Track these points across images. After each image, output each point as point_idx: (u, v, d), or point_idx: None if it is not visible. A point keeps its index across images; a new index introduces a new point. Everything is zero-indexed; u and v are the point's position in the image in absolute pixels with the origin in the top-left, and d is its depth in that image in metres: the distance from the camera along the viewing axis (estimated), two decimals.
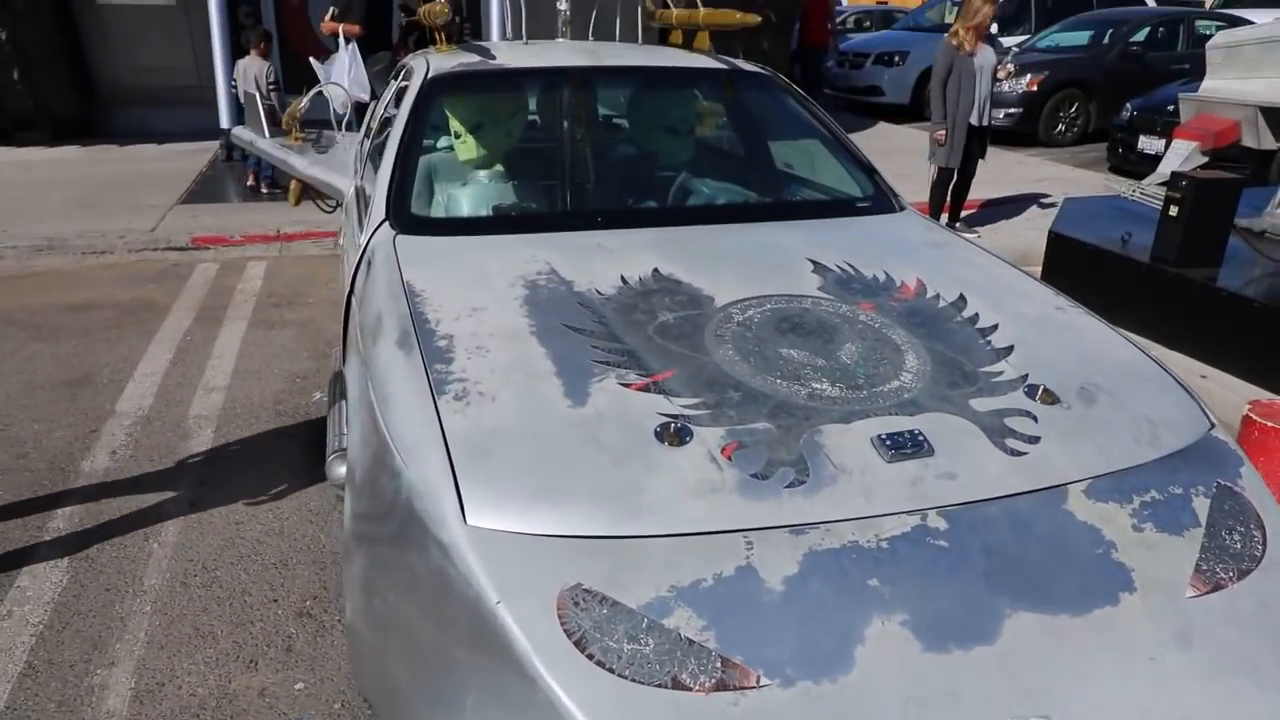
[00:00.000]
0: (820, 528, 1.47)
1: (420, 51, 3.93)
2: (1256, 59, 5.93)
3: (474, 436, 1.63)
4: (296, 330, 5.11)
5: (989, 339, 2.09)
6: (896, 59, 14.38)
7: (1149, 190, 6.16)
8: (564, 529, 1.45)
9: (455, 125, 3.44)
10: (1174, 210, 4.90)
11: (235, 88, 6.87)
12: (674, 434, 1.62)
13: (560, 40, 3.82)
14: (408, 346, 1.94)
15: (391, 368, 1.92)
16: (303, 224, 6.70)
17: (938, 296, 2.33)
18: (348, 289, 2.71)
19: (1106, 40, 12.55)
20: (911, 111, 13.70)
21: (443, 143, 3.95)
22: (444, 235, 2.69)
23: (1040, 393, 1.84)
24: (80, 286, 5.78)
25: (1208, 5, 17.25)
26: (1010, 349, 2.04)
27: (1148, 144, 9.54)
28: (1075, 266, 5.34)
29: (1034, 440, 1.70)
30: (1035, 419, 1.76)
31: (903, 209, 3.11)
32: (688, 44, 3.95)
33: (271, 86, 7.74)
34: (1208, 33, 12.95)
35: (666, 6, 4.14)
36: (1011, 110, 11.37)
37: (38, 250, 6.26)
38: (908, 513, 1.51)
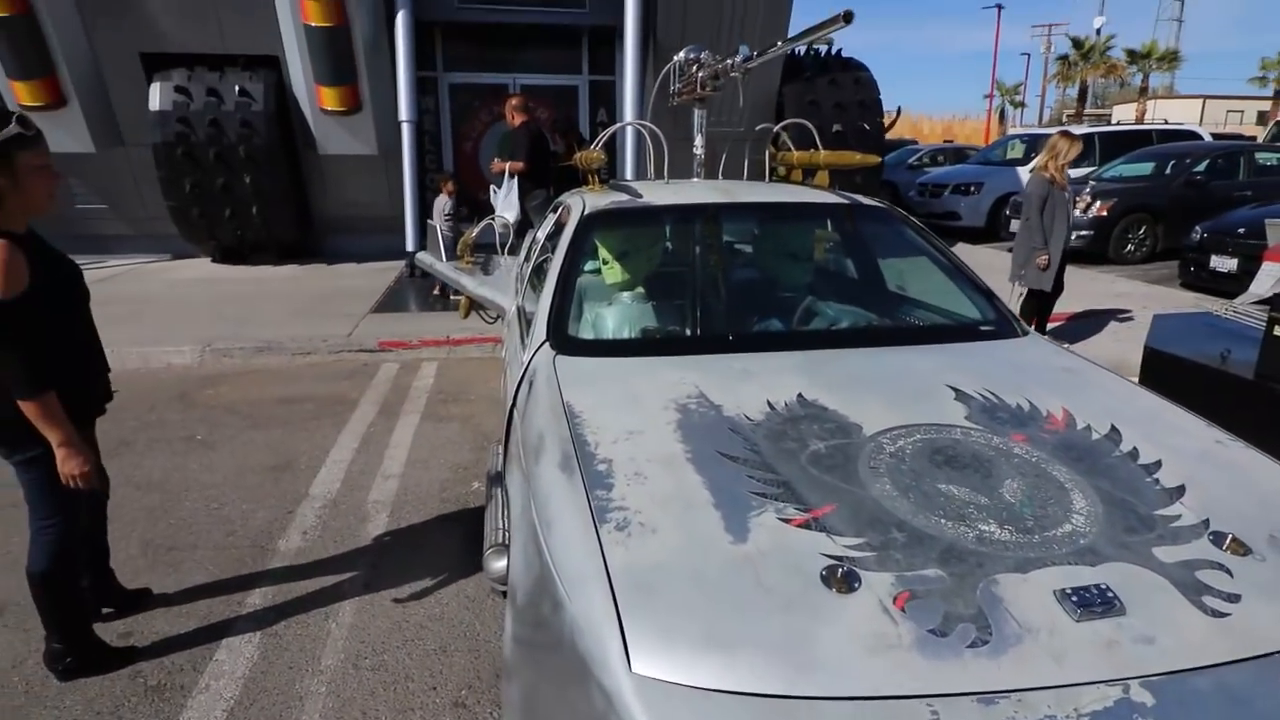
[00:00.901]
0: (1011, 697, 1.14)
1: (574, 190, 3.84)
2: None
3: (637, 571, 1.37)
4: (460, 424, 5.01)
5: (1156, 476, 1.71)
6: (972, 188, 13.97)
7: (1242, 309, 5.57)
8: (734, 683, 1.17)
9: (604, 253, 3.30)
10: (1278, 330, 4.37)
11: (431, 220, 7.08)
12: (841, 579, 1.33)
13: (696, 180, 3.66)
14: (569, 470, 1.72)
15: (554, 490, 1.69)
16: (468, 331, 6.69)
17: (1089, 428, 1.95)
18: (510, 402, 2.53)
19: (1169, 170, 11.87)
20: (986, 233, 13.19)
21: (588, 266, 3.85)
22: (598, 356, 2.48)
23: (1229, 542, 1.47)
24: (289, 382, 5.87)
25: (1260, 139, 16.39)
26: (1182, 489, 1.66)
27: (1219, 262, 8.90)
28: (1173, 381, 4.77)
29: (1234, 599, 1.33)
30: (1230, 573, 1.39)
31: (1026, 333, 2.75)
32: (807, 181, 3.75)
33: (447, 218, 7.91)
34: (1268, 163, 12.16)
35: (788, 149, 3.95)
36: (1084, 233, 10.76)
37: (259, 351, 6.43)
38: (1107, 683, 1.17)
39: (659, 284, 3.21)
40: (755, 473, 1.69)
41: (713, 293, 3.14)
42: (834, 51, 11.21)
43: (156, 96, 9.16)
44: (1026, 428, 1.96)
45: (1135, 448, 1.86)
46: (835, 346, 2.55)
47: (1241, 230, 8.96)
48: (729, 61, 3.18)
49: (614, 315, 3.08)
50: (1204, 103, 46.70)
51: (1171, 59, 45.58)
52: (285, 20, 8.97)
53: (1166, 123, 19.36)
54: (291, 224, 10.14)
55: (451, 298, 7.84)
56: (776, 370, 2.28)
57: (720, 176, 4.01)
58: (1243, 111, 45.89)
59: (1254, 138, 20.86)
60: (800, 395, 2.08)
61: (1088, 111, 45.59)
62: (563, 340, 2.54)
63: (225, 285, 8.97)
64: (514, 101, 7.63)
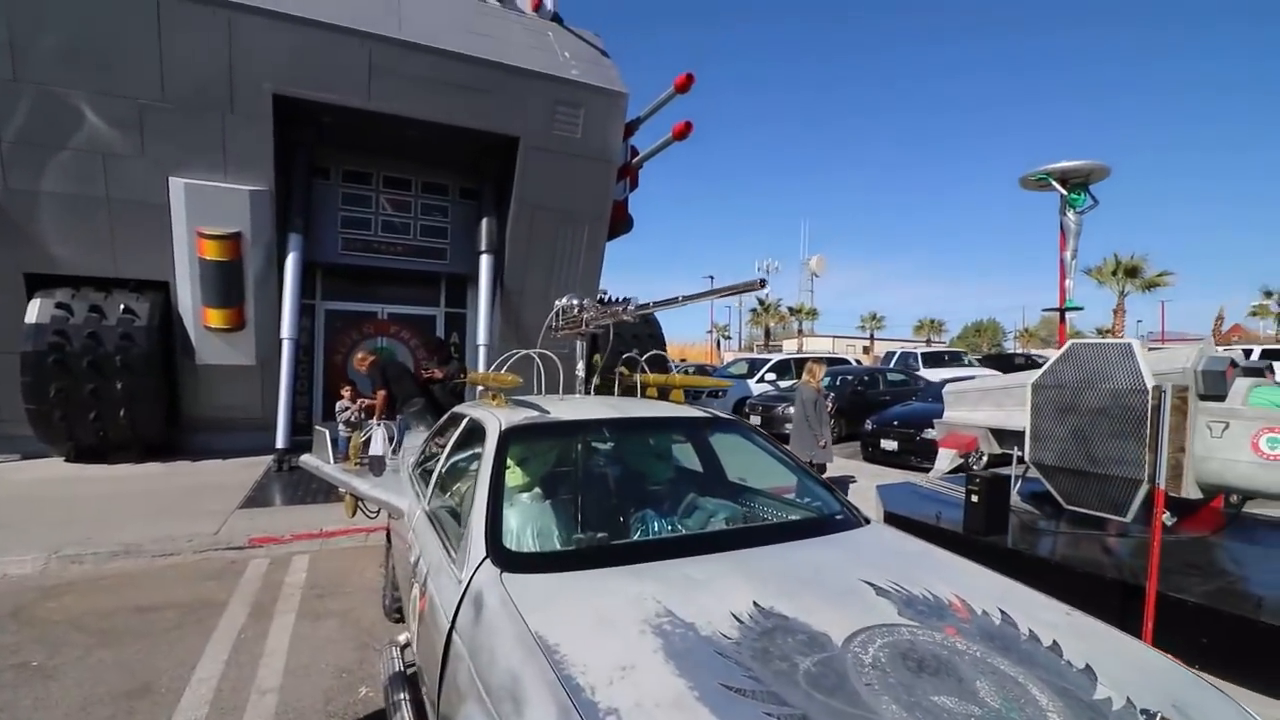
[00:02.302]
0: None
1: (474, 404, 3.32)
2: (977, 400, 6.10)
3: None
4: (339, 620, 3.93)
5: (1067, 659, 1.56)
6: (720, 393, 14.80)
7: (934, 481, 6.05)
8: None
9: (510, 461, 2.77)
10: (975, 498, 4.70)
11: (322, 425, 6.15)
12: None
13: (581, 395, 3.31)
14: None
15: None
16: (340, 521, 5.56)
17: (987, 614, 1.78)
18: (446, 624, 1.86)
19: (839, 382, 13.45)
20: None
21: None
22: (544, 572, 1.92)
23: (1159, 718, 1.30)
24: (149, 588, 4.41)
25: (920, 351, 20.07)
26: (1090, 670, 1.51)
27: (886, 444, 9.96)
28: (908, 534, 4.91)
29: None
30: None
31: (868, 521, 2.57)
32: (663, 397, 3.54)
33: (346, 423, 6.90)
34: (894, 380, 14.30)
35: (643, 372, 3.75)
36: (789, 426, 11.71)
37: (114, 555, 4.86)
38: None
39: (564, 487, 2.73)
40: (771, 708, 1.26)
41: (618, 493, 2.72)
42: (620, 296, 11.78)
43: (35, 311, 7.48)
44: (946, 618, 1.74)
45: (1030, 630, 1.72)
46: (744, 545, 2.18)
47: (896, 422, 10.22)
48: (622, 307, 2.98)
49: (522, 516, 2.52)
50: (833, 340, 55.84)
51: (812, 313, 55.86)
52: (181, 254, 7.87)
53: (831, 353, 23.15)
54: (159, 424, 8.34)
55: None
56: (715, 575, 1.89)
57: (579, 390, 3.70)
58: (854, 346, 55.18)
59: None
60: (755, 604, 1.70)
61: (770, 344, 52.58)
62: (504, 556, 1.97)
63: (80, 485, 7.00)
64: (359, 355, 7.68)
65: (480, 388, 4.57)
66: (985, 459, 6.45)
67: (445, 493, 2.92)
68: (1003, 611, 1.79)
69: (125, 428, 7.94)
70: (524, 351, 3.34)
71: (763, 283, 2.01)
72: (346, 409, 7.09)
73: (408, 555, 2.85)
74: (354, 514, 4.16)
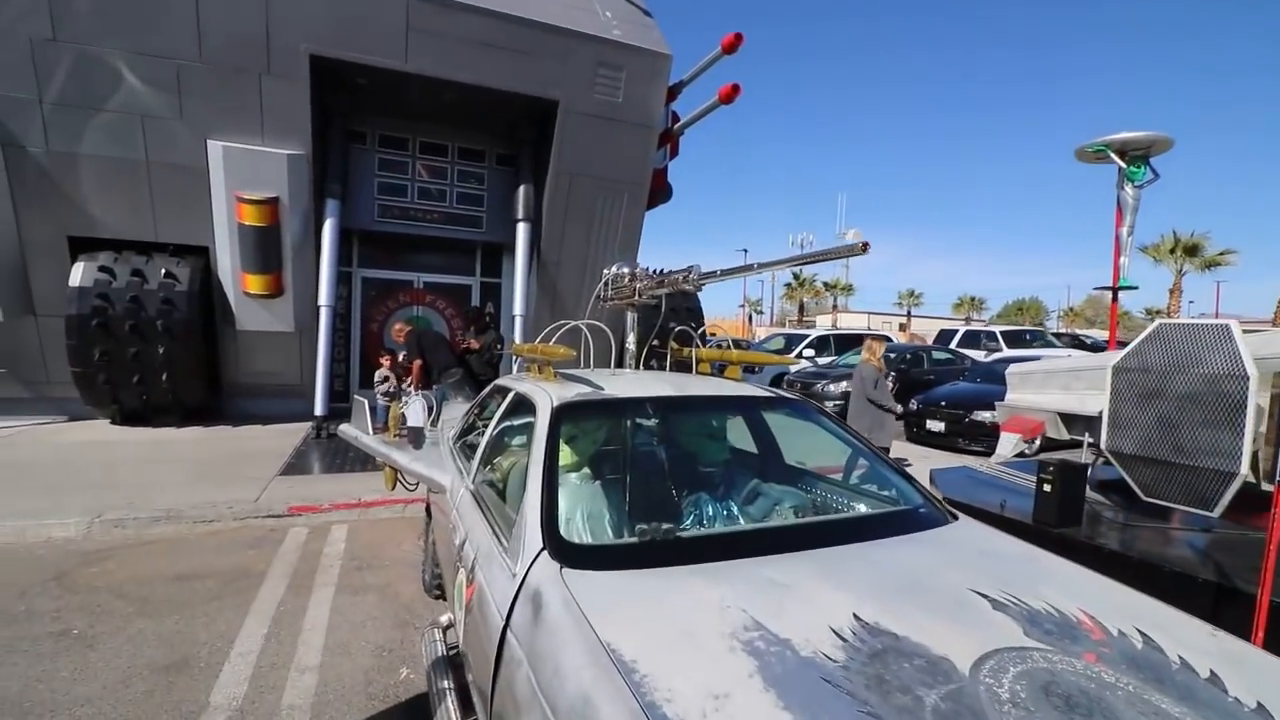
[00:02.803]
0: None
1: (518, 377, 3.11)
2: (1043, 382, 5.71)
3: None
4: (378, 595, 3.82)
5: (1234, 696, 1.32)
6: (757, 369, 14.49)
7: (995, 467, 5.72)
8: None
9: (560, 440, 2.57)
10: (1047, 487, 4.37)
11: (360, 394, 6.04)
12: None
13: (634, 370, 3.08)
14: None
15: None
16: (378, 492, 5.48)
17: (1123, 634, 1.52)
18: (501, 621, 1.67)
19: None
20: None
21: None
22: (607, 568, 1.70)
23: None
24: (189, 554, 4.37)
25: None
26: (1261, 708, 1.27)
27: (932, 424, 9.63)
28: None
29: None
30: None
31: (955, 516, 2.30)
32: (718, 374, 3.28)
33: (385, 393, 6.83)
34: (939, 358, 13.77)
35: (695, 346, 3.49)
36: (836, 402, 11.34)
37: (155, 520, 4.84)
38: None
39: (620, 470, 2.51)
40: None
41: (676, 478, 2.49)
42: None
43: (79, 274, 7.48)
44: (1080, 641, 1.48)
45: (1180, 656, 1.45)
46: (823, 542, 1.93)
47: (943, 402, 9.81)
48: (683, 274, 2.71)
49: (577, 503, 2.31)
50: (868, 316, 54.57)
51: (848, 289, 54.82)
52: (220, 219, 7.80)
53: (868, 329, 22.27)
54: (200, 389, 8.39)
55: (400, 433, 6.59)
56: (800, 579, 1.65)
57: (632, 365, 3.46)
58: (889, 322, 53.85)
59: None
60: (856, 617, 1.45)
61: (804, 319, 51.70)
62: (562, 549, 1.76)
63: (123, 448, 7.05)
64: (397, 325, 7.46)
65: (520, 359, 4.37)
66: (1038, 445, 6.09)
67: (491, 470, 2.72)
68: (1141, 632, 1.53)
69: (167, 391, 8.00)
70: (572, 323, 3.11)
71: (865, 246, 1.73)
72: (386, 379, 7.00)
73: (451, 535, 2.68)
74: (394, 486, 4.04)
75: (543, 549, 1.75)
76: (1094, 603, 1.66)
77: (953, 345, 16.80)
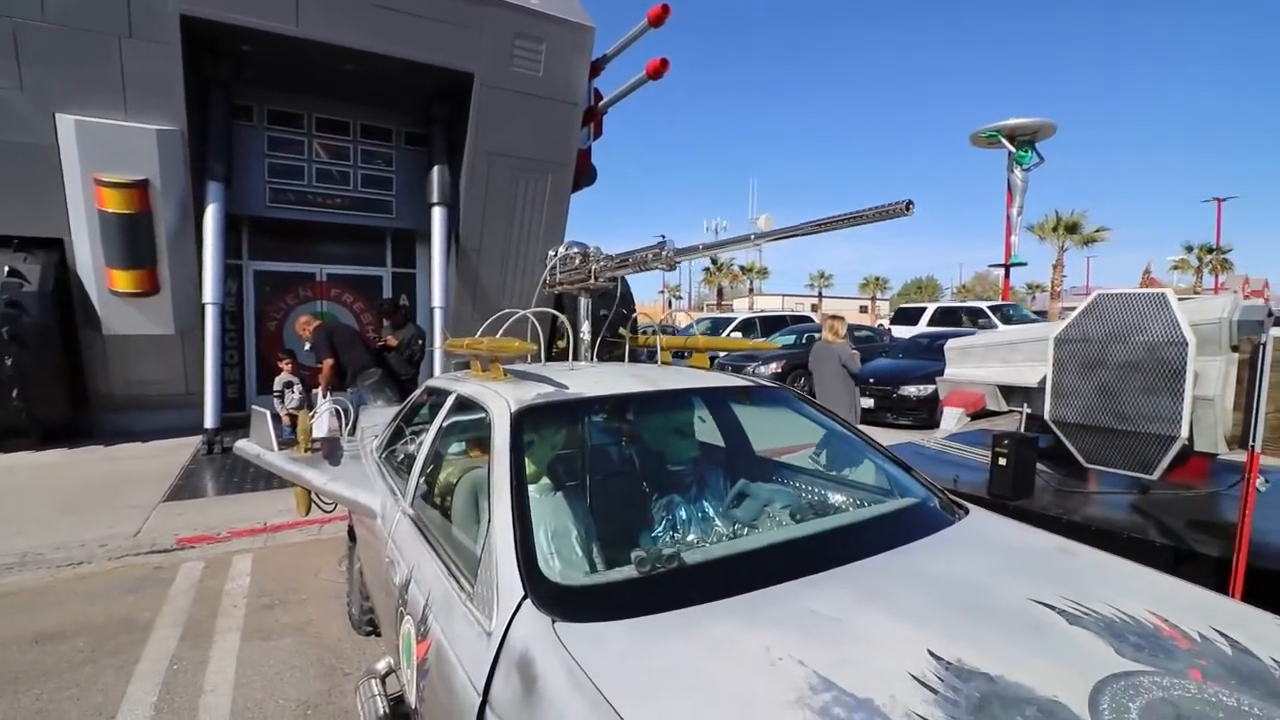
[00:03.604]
0: None
1: (459, 377, 2.68)
2: (983, 355, 5.80)
3: None
4: (296, 638, 3.28)
5: None
6: (686, 354, 14.43)
7: (940, 442, 5.76)
8: None
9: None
10: (1003, 460, 4.39)
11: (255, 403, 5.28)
12: None
13: (592, 363, 2.72)
14: None
15: None
16: (288, 513, 4.85)
17: (1206, 639, 1.36)
18: (478, 697, 1.29)
19: (804, 340, 13.37)
20: None
21: (454, 449, 2.68)
22: (611, 617, 1.35)
23: None
24: (51, 608, 3.64)
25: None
26: None
27: (863, 401, 9.75)
28: None
29: None
30: None
31: (967, 510, 2.11)
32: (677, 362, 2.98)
33: (288, 399, 6.08)
34: (860, 335, 14.17)
35: (643, 333, 3.18)
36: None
37: (6, 568, 4.02)
38: None
39: (595, 483, 2.15)
40: None
41: (659, 486, 2.15)
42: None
43: None
44: (1175, 656, 1.30)
45: (1275, 659, 1.31)
46: (847, 554, 1.66)
47: (871, 379, 10.03)
48: (657, 251, 2.36)
49: (555, 529, 1.93)
50: (782, 299, 56.57)
51: (763, 272, 56.68)
52: (76, 206, 6.72)
53: (781, 311, 22.71)
54: (61, 405, 7.27)
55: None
56: (847, 608, 1.38)
57: (586, 356, 3.10)
58: (801, 304, 56.03)
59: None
60: (933, 655, 1.19)
61: (722, 303, 52.75)
62: (550, 594, 1.41)
63: None
64: (301, 320, 6.45)
65: (452, 358, 3.89)
66: (968, 419, 6.24)
67: (432, 490, 2.30)
68: (1221, 634, 1.37)
69: (19, 410, 6.86)
70: (520, 312, 2.70)
71: (909, 205, 1.46)
72: (289, 384, 6.26)
73: (387, 571, 2.23)
74: (308, 510, 3.49)
75: (524, 597, 1.38)
76: (1156, 601, 1.49)
77: (923, 324, 16.46)
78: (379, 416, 4.26)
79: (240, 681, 2.88)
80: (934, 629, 1.29)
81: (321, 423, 4.60)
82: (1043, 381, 4.98)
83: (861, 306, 53.21)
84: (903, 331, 16.42)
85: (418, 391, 3.25)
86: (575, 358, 2.80)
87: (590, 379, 2.33)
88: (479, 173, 8.45)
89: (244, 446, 3.92)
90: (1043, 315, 27.67)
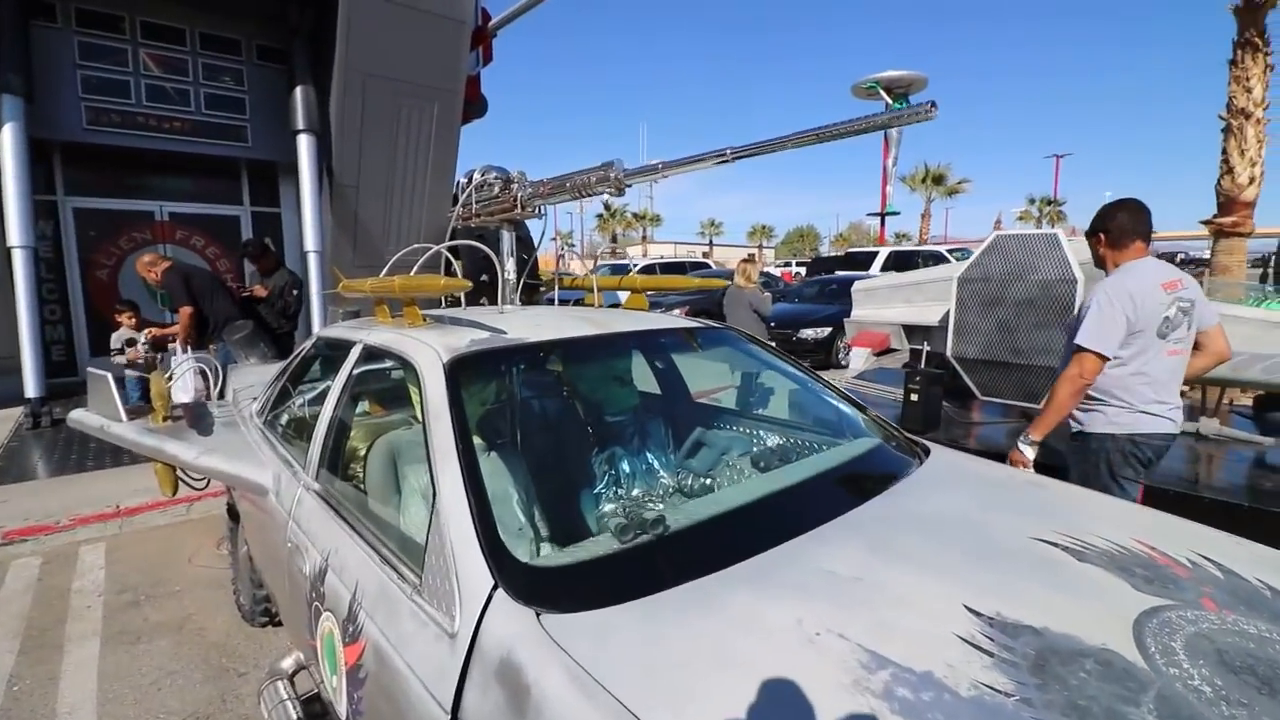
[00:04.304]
0: None
1: (356, 326, 2.28)
2: (887, 297, 6.00)
3: None
4: (172, 638, 2.83)
5: None
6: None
7: (852, 381, 5.95)
8: None
9: (417, 399, 1.88)
10: (914, 396, 4.58)
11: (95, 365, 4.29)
12: None
13: (531, 307, 2.41)
14: None
15: None
16: (148, 492, 4.19)
17: (1199, 566, 1.36)
18: (445, 713, 1.05)
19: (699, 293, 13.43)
20: None
21: (359, 409, 2.35)
22: (604, 603, 1.13)
23: None
24: None
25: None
26: None
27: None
28: None
29: None
30: None
31: (928, 450, 2.08)
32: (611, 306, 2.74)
33: (131, 359, 5.17)
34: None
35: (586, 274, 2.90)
36: None
37: None
38: None
39: (542, 440, 1.90)
40: None
41: (613, 440, 1.95)
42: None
43: None
44: (1184, 587, 1.31)
45: (1260, 579, 1.33)
46: (840, 505, 1.55)
47: (771, 324, 10.25)
48: (605, 172, 2.06)
49: (514, 498, 1.67)
50: (674, 246, 57.09)
51: (656, 219, 56.88)
52: None
53: (675, 257, 22.67)
54: None
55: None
56: (866, 566, 1.25)
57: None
58: (693, 251, 57.00)
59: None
60: (973, 612, 1.10)
61: (616, 250, 52.49)
62: (526, 580, 1.17)
63: None
64: (145, 259, 5.17)
65: (340, 309, 3.44)
66: (874, 357, 6.52)
67: (345, 461, 1.96)
68: (1207, 558, 1.39)
69: None
70: (433, 247, 2.32)
71: (933, 105, 1.29)
72: (131, 342, 5.38)
73: (291, 558, 1.89)
74: (175, 490, 2.96)
75: (495, 587, 1.13)
76: (1137, 529, 1.51)
77: (876, 267, 14.50)
78: (253, 376, 3.71)
79: (106, 697, 2.42)
80: (958, 580, 1.20)
81: (184, 385, 3.96)
82: (944, 320, 5.23)
83: (749, 254, 54.86)
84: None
85: (308, 344, 2.80)
86: (502, 300, 2.47)
87: (527, 322, 2.04)
88: (353, 96, 7.49)
89: (81, 418, 3.26)
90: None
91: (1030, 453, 2.39)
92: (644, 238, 58.41)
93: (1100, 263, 2.47)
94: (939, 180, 36.29)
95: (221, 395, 3.67)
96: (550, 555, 1.33)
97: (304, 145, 7.47)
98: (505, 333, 1.88)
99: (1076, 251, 4.53)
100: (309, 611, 1.72)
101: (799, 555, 1.29)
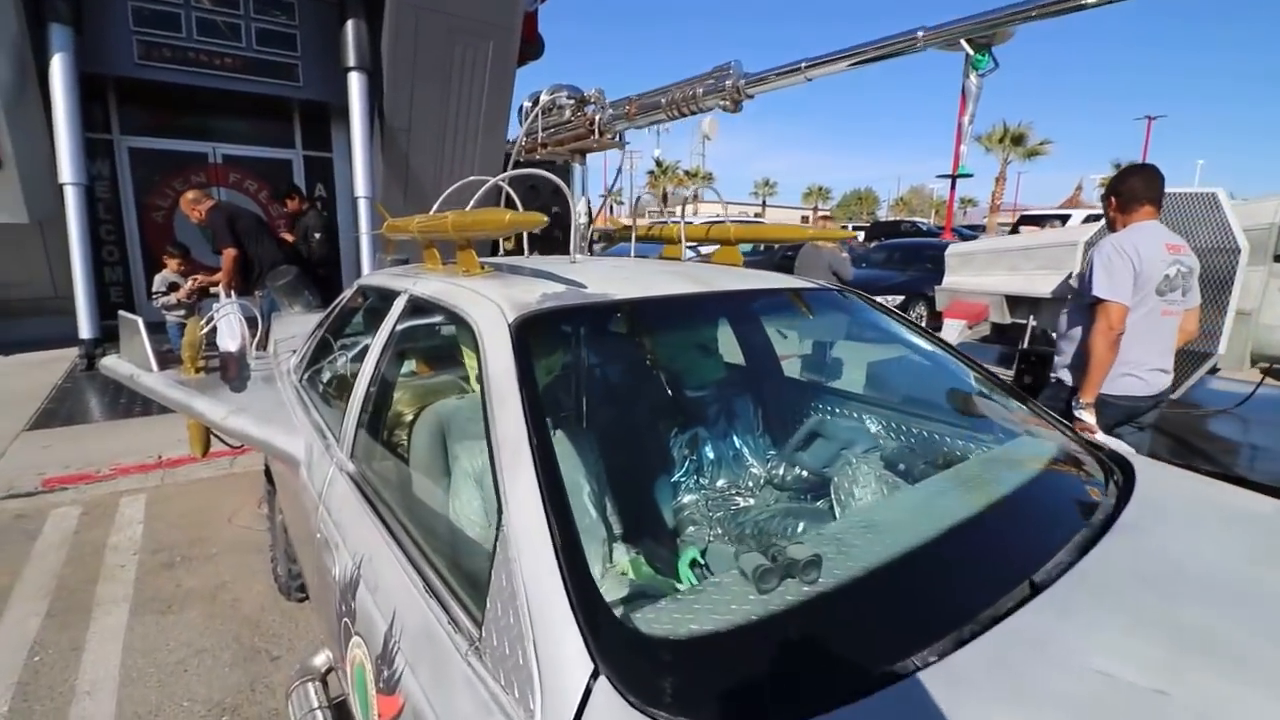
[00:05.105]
0: None
1: (402, 274, 1.91)
2: (987, 263, 5.36)
3: None
4: (205, 609, 2.61)
5: None
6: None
7: None
8: None
9: (473, 363, 1.49)
10: (1028, 379, 4.05)
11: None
12: None
13: (610, 258, 1.99)
14: None
15: None
16: (189, 442, 4.01)
17: None
18: None
19: (764, 250, 13.04)
20: None
21: (407, 368, 2.00)
22: (774, 709, 0.73)
23: None
24: None
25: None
26: None
27: None
28: None
29: None
30: None
31: (1121, 462, 1.60)
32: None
33: (173, 305, 5.02)
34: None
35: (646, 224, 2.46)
36: None
37: None
38: None
39: (635, 432, 1.50)
40: None
41: (727, 432, 1.53)
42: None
43: None
44: None
45: None
46: (1050, 547, 1.10)
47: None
48: (718, 82, 1.60)
49: (592, 505, 1.28)
50: (724, 207, 55.62)
51: (708, 177, 55.57)
52: None
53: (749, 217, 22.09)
54: None
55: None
56: (1169, 668, 0.80)
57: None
58: (745, 213, 55.56)
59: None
60: None
61: (666, 209, 51.72)
62: (642, 659, 0.78)
63: None
64: (189, 196, 4.90)
65: (387, 255, 3.12)
66: (968, 330, 5.90)
67: (382, 438, 1.61)
68: None
69: None
70: (490, 180, 1.91)
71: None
72: (173, 285, 5.21)
73: (321, 553, 1.57)
74: (205, 450, 2.73)
75: (596, 673, 0.75)
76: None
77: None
78: (296, 326, 3.44)
79: (129, 676, 2.20)
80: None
81: (226, 332, 3.69)
82: (1057, 291, 4.59)
83: (803, 216, 53.06)
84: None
85: (347, 293, 2.46)
86: (574, 249, 2.06)
87: (609, 275, 1.62)
88: (405, 32, 7.08)
89: (112, 364, 3.05)
90: (980, 230, 27.94)
91: (1089, 417, 2.31)
92: (694, 196, 57.19)
93: (1111, 225, 2.54)
94: (1018, 141, 33.78)
95: (264, 345, 3.42)
96: (666, 614, 0.93)
97: (355, 84, 7.13)
98: (585, 286, 1.47)
99: (1241, 215, 3.83)
100: (338, 625, 1.40)
101: (1045, 638, 0.86)
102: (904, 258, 10.91)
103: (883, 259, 11.37)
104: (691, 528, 1.55)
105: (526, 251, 2.16)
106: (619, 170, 2.30)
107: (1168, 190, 4.07)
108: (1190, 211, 3.87)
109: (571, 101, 2.13)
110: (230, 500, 3.58)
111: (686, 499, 1.36)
